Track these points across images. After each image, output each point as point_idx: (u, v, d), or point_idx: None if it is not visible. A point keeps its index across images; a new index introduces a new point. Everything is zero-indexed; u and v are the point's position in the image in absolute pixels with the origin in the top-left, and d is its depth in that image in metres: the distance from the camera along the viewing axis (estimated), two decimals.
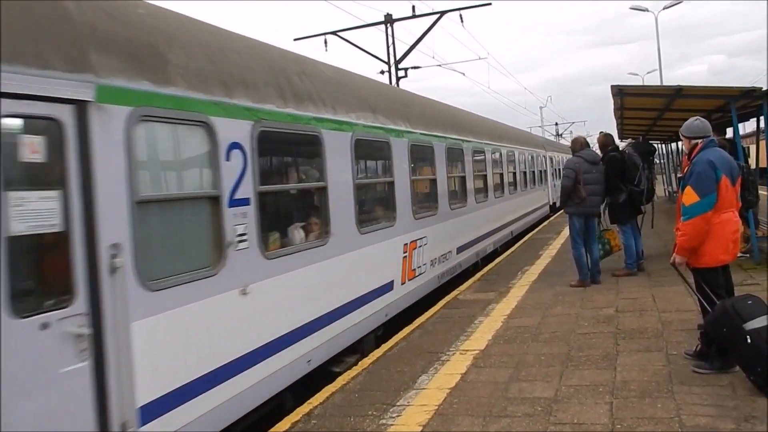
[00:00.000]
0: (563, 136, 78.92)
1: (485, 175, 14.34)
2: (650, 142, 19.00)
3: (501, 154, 16.23)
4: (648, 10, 37.07)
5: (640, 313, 7.76)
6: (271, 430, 5.18)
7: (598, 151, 10.93)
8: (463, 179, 12.47)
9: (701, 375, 5.39)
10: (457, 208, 11.71)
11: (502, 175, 16.33)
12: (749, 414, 4.53)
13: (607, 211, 10.49)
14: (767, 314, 5.03)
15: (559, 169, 28.22)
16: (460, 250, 11.66)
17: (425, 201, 10.31)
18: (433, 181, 10.58)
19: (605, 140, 10.86)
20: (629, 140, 21.20)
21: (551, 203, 26.49)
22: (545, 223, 22.30)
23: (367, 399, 5.68)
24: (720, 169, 5.47)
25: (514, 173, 18.16)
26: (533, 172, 21.97)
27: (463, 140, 12.46)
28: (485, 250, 13.76)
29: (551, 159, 28.32)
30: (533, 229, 20.27)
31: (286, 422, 5.31)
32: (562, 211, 21.45)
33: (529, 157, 21.24)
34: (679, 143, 24.35)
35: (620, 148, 11.00)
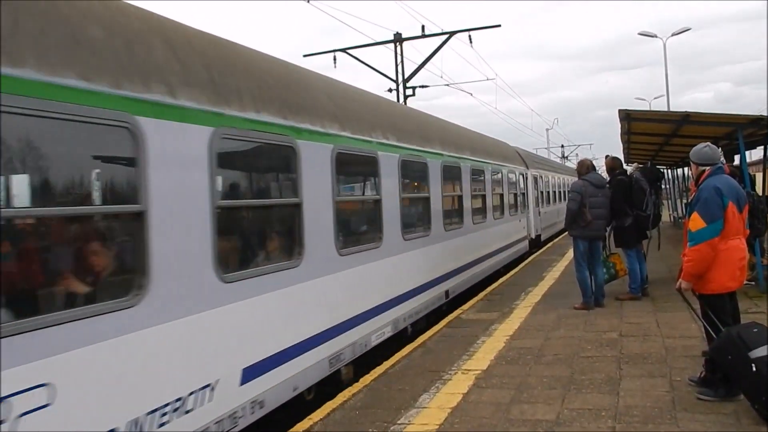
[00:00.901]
0: (569, 158, 78.98)
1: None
2: (657, 167, 18.64)
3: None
4: (656, 36, 37.27)
5: (643, 337, 7.72)
6: None
7: (605, 174, 10.95)
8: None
9: (705, 402, 5.35)
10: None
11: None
12: None
13: (612, 235, 10.49)
14: None
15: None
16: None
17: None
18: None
19: (613, 164, 10.88)
20: (635, 164, 21.18)
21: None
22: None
23: (367, 417, 5.65)
24: (727, 196, 5.47)
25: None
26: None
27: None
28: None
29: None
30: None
31: None
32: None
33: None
34: (686, 169, 24.40)
35: (628, 172, 11.01)
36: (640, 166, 14.73)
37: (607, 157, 11.28)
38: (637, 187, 10.16)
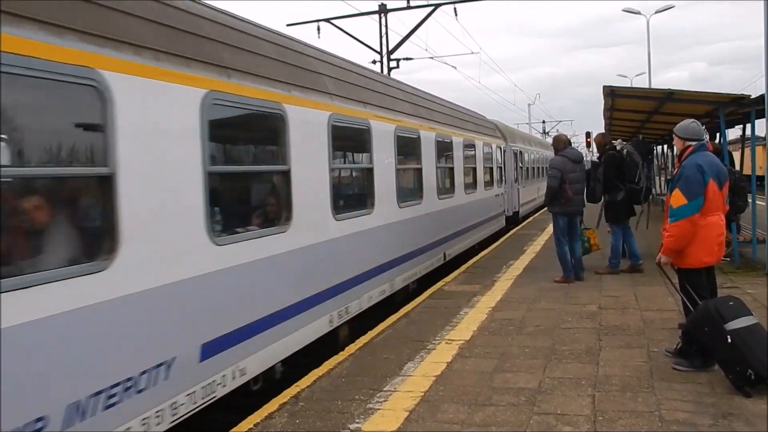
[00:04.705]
0: (549, 134, 79.24)
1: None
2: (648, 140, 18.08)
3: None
4: (640, 13, 37.34)
5: (622, 310, 7.92)
6: (261, 409, 5.24)
7: (590, 151, 11.10)
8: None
9: (681, 372, 5.54)
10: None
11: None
12: (727, 411, 4.68)
13: (603, 209, 10.59)
14: (747, 315, 5.19)
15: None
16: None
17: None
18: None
19: (603, 140, 11.00)
20: (619, 140, 21.36)
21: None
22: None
23: (353, 384, 5.76)
24: (708, 173, 5.60)
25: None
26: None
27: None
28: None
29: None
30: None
31: (274, 403, 5.37)
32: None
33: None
34: (665, 147, 24.68)
35: (616, 147, 11.15)
36: (633, 140, 14.76)
37: (598, 134, 11.40)
38: (629, 161, 10.25)
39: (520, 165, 22.47)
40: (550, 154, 30.33)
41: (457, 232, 13.01)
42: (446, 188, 12.54)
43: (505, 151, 19.48)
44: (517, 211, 21.34)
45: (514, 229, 19.17)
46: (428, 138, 11.12)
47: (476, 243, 14.94)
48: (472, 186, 14.64)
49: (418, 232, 10.39)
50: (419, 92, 11.85)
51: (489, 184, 16.63)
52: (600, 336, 6.84)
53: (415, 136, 10.44)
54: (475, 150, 15.03)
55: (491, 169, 17.05)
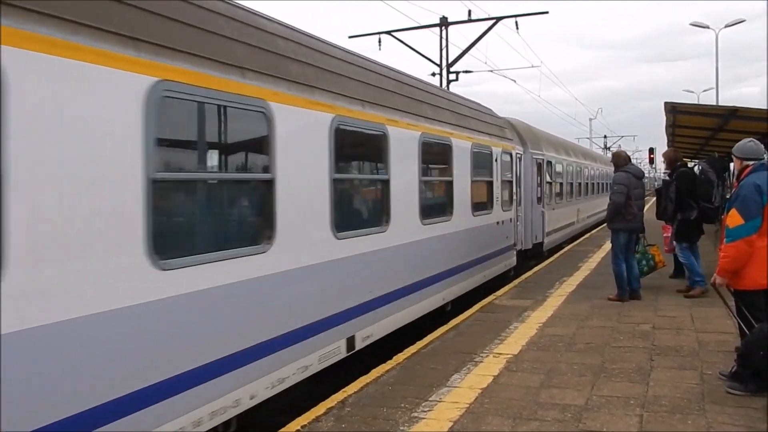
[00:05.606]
0: (611, 149, 77.76)
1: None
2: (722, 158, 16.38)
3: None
4: (709, 27, 36.36)
5: (677, 331, 7.76)
6: (309, 412, 5.39)
7: (653, 167, 10.92)
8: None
9: (735, 396, 5.40)
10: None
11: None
12: None
13: (676, 229, 10.22)
14: None
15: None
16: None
17: None
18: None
19: (674, 156, 10.76)
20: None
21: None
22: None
23: (400, 392, 5.85)
24: (767, 194, 5.48)
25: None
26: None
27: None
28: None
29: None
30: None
31: (321, 407, 5.51)
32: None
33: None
34: (731, 164, 23.93)
35: (687, 164, 10.88)
36: (708, 157, 14.26)
37: (669, 149, 11.14)
38: (704, 179, 9.99)
39: (549, 180, 17.25)
40: (600, 167, 28.73)
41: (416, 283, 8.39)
42: (378, 215, 7.56)
43: (521, 160, 14.54)
44: (541, 242, 16.02)
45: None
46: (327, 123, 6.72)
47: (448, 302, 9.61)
48: (445, 208, 9.53)
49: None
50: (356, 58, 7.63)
51: (483, 206, 11.22)
52: (652, 356, 6.73)
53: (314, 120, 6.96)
54: (451, 155, 9.62)
55: (490, 185, 11.67)
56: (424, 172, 8.69)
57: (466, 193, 10.24)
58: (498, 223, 12.08)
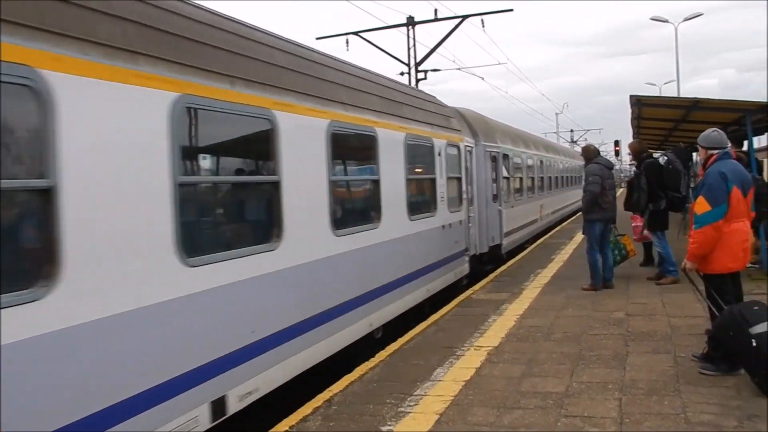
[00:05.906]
0: (578, 142, 78.86)
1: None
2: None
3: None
4: (668, 21, 37.16)
5: (650, 317, 7.99)
6: (296, 412, 5.45)
7: (619, 159, 11.15)
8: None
9: (707, 376, 5.61)
10: None
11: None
12: (751, 413, 4.76)
13: (648, 218, 10.46)
14: None
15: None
16: None
17: None
18: None
19: (640, 147, 11.02)
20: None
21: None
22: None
23: (385, 389, 5.94)
24: (731, 181, 5.71)
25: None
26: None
27: None
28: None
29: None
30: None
31: (308, 407, 5.58)
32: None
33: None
34: (694, 154, 24.49)
35: (653, 155, 11.12)
36: (674, 147, 14.47)
37: (634, 141, 11.35)
38: (672, 169, 10.22)
39: (506, 175, 15.53)
40: (565, 159, 28.29)
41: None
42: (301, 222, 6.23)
43: (472, 153, 12.89)
44: (499, 244, 14.30)
45: (538, 241, 18.09)
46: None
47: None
48: (364, 217, 7.81)
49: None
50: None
51: (423, 208, 9.67)
52: (627, 342, 6.93)
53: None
54: (378, 148, 7.96)
55: (432, 182, 10.13)
56: (336, 171, 7.01)
57: (399, 195, 8.55)
58: (444, 226, 10.48)
